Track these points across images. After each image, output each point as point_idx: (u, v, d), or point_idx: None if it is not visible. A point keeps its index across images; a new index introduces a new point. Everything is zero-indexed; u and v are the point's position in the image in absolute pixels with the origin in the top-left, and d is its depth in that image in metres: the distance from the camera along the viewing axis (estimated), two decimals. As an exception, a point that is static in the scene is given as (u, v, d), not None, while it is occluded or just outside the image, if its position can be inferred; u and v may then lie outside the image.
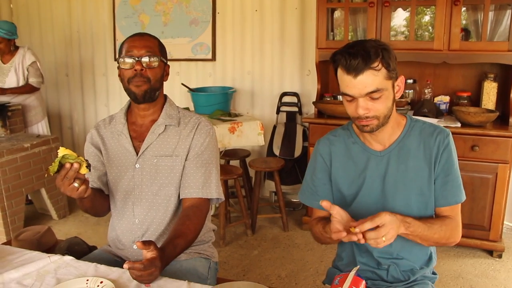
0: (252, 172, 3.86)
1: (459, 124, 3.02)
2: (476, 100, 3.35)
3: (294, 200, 3.96)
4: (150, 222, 1.64)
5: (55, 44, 4.87)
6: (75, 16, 4.77)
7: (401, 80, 1.39)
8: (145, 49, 1.56)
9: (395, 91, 1.38)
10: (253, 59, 4.08)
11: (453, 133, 2.86)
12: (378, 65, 1.28)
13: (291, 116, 3.95)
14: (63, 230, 3.62)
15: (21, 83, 3.91)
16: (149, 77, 1.56)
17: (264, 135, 3.46)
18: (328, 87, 3.74)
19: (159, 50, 1.61)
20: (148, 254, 1.28)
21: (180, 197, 1.64)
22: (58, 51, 4.86)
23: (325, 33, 3.41)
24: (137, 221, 1.65)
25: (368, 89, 1.30)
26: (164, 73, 1.65)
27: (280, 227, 3.57)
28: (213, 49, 4.15)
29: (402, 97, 3.31)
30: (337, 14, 3.76)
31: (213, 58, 4.18)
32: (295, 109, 3.95)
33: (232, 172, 3.29)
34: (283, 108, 4.00)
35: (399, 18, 3.67)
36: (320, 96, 3.59)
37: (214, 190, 1.65)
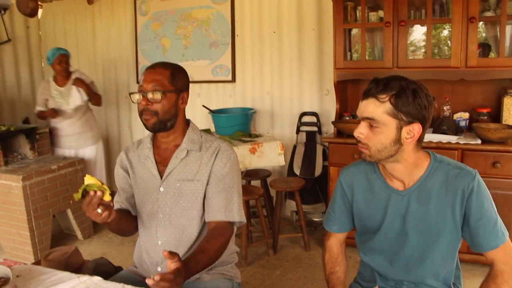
0: (273, 192, 3.96)
1: (479, 141, 3.07)
2: (496, 116, 3.39)
3: (315, 220, 4.03)
4: (173, 244, 1.72)
5: (80, 68, 5.09)
6: (99, 41, 5.03)
7: (416, 129, 1.38)
8: (153, 83, 1.64)
9: (403, 136, 1.38)
10: (272, 79, 4.22)
11: (473, 150, 2.97)
12: (385, 97, 1.35)
13: (310, 136, 4.05)
14: (88, 250, 3.76)
15: (81, 102, 4.04)
16: (157, 110, 1.64)
17: (284, 155, 3.56)
18: (347, 107, 3.84)
19: (170, 81, 1.66)
20: (173, 265, 1.33)
21: (206, 221, 1.72)
22: (83, 75, 5.09)
23: (343, 53, 3.52)
24: (160, 243, 1.74)
25: (364, 114, 1.39)
26: (177, 102, 1.70)
27: (301, 246, 3.65)
28: (232, 71, 4.31)
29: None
30: (354, 33, 3.86)
31: (233, 79, 4.33)
32: (315, 128, 4.05)
33: (253, 192, 3.39)
34: (303, 128, 4.10)
35: (419, 32, 3.76)
36: (339, 116, 3.68)
37: (236, 214, 1.71)
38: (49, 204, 3.65)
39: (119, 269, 2.18)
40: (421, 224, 1.46)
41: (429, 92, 1.40)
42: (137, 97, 1.67)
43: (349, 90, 3.85)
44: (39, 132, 4.02)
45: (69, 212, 3.87)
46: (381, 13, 3.44)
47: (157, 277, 1.25)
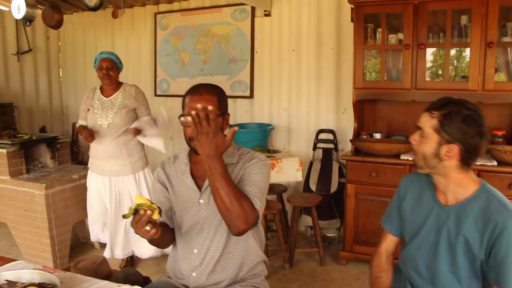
0: (287, 207, 4.09)
1: (495, 163, 3.20)
2: (511, 138, 3.53)
3: (329, 235, 4.15)
4: (207, 250, 1.82)
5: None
6: (118, 53, 5.15)
7: (455, 150, 1.53)
8: (204, 110, 1.68)
9: (442, 152, 1.55)
10: (290, 96, 4.37)
11: (489, 172, 3.10)
12: (436, 114, 1.55)
13: (327, 153, 4.19)
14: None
15: (126, 121, 3.47)
16: None
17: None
18: (363, 125, 3.98)
19: (218, 107, 1.72)
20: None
21: None
22: (101, 86, 5.26)
23: (362, 73, 3.67)
24: (195, 251, 1.84)
25: (418, 123, 1.60)
26: (223, 124, 1.77)
27: (316, 261, 3.76)
28: (251, 87, 4.47)
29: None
30: (372, 54, 4.02)
31: (251, 95, 4.49)
32: (331, 146, 4.19)
33: (271, 207, 3.52)
34: (319, 145, 4.24)
35: (435, 54, 3.90)
36: (357, 134, 3.83)
37: (259, 206, 1.70)
38: (69, 213, 3.78)
39: (147, 279, 2.30)
40: (452, 242, 1.59)
41: (485, 124, 1.55)
42: (185, 120, 1.71)
43: (367, 109, 3.99)
44: (59, 141, 4.16)
45: (87, 221, 3.99)
46: (400, 35, 3.60)
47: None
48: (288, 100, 4.39)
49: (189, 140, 1.76)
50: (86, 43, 5.32)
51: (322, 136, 4.24)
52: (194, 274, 1.85)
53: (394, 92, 3.62)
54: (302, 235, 4.25)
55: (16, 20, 4.98)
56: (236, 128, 1.60)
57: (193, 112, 1.56)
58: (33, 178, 3.74)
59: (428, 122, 1.56)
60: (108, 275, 2.46)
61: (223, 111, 1.77)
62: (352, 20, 3.88)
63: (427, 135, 1.56)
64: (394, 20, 3.68)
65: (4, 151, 3.77)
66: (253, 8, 4.42)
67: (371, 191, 3.53)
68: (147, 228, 1.57)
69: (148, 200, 1.60)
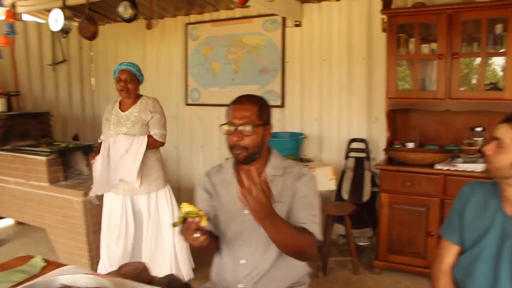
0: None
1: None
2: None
3: (361, 244, 4.17)
4: (256, 263, 1.84)
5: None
6: (149, 62, 5.35)
7: None
8: (243, 120, 1.77)
9: None
10: (321, 106, 4.43)
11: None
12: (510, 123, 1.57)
13: (359, 162, 4.23)
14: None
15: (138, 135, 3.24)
16: (247, 146, 1.78)
17: (332, 180, 3.75)
18: (396, 135, 4.00)
19: (259, 115, 1.80)
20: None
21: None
22: (132, 96, 5.40)
23: (395, 83, 3.72)
24: (242, 262, 1.86)
25: (496, 134, 1.60)
26: (264, 134, 1.83)
27: (350, 270, 3.79)
28: (282, 96, 4.54)
29: (471, 145, 3.53)
30: (403, 64, 4.05)
31: (282, 104, 4.56)
32: (363, 155, 4.23)
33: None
34: (351, 154, 4.28)
35: (471, 63, 3.92)
36: (390, 143, 3.86)
37: (317, 231, 1.79)
38: (105, 220, 3.87)
39: (189, 285, 2.36)
40: None
41: None
42: (230, 128, 1.80)
43: (399, 118, 4.02)
44: (94, 149, 4.27)
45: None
46: (433, 45, 3.63)
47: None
48: (319, 109, 4.44)
49: (231, 149, 1.83)
50: (118, 53, 5.46)
51: (354, 145, 4.28)
52: (240, 285, 1.87)
53: (428, 102, 3.65)
54: (333, 244, 4.27)
55: (52, 32, 5.17)
56: (267, 179, 1.60)
57: (246, 183, 1.54)
58: (71, 185, 3.86)
59: (507, 134, 1.56)
60: (150, 281, 2.54)
61: (264, 121, 1.82)
62: (383, 30, 3.95)
63: (506, 146, 1.57)
64: (426, 29, 3.72)
65: (44, 158, 3.92)
66: (283, 19, 4.50)
67: (405, 201, 3.55)
68: (196, 235, 1.61)
69: (196, 207, 1.64)
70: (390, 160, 3.73)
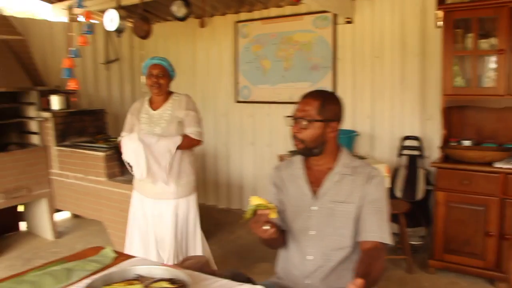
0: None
1: None
2: None
3: (413, 243, 4.15)
4: (324, 260, 1.87)
5: (179, 86, 5.52)
6: (199, 60, 5.49)
7: None
8: (302, 113, 1.84)
9: None
10: (373, 103, 4.42)
11: None
12: None
13: (412, 160, 4.20)
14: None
15: (173, 136, 3.03)
16: (303, 138, 1.84)
17: (386, 177, 3.74)
18: (451, 132, 3.95)
19: (318, 111, 1.82)
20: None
21: (358, 240, 1.85)
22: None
23: (451, 80, 3.67)
24: (310, 258, 1.89)
25: None
26: (325, 131, 1.84)
27: (403, 269, 3.78)
28: (333, 93, 4.56)
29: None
30: (463, 60, 3.98)
31: (333, 101, 4.57)
32: (417, 152, 4.20)
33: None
34: (404, 152, 4.26)
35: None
36: (445, 141, 3.81)
37: (388, 236, 1.82)
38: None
39: (252, 280, 2.40)
40: None
41: None
42: (291, 121, 1.89)
43: (454, 116, 3.97)
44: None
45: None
46: (492, 40, 3.56)
47: None
48: (371, 106, 4.43)
49: (292, 139, 1.89)
50: (168, 52, 5.60)
51: (407, 143, 4.26)
52: (307, 281, 1.91)
53: (487, 98, 3.60)
54: (385, 242, 4.26)
55: (105, 31, 5.36)
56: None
57: None
58: (127, 180, 3.99)
59: None
60: (212, 275, 2.61)
61: (325, 117, 1.84)
62: (437, 26, 3.90)
63: None
64: (484, 24, 3.65)
65: (103, 154, 4.09)
66: (334, 16, 4.51)
67: (462, 199, 3.51)
68: (266, 227, 1.67)
69: (265, 200, 1.68)
70: (445, 158, 3.70)
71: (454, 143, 3.83)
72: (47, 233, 4.71)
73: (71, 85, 4.55)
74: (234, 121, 5.33)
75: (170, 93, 3.15)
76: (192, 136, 3.05)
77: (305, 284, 1.92)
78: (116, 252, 2.11)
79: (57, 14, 5.31)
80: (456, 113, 3.98)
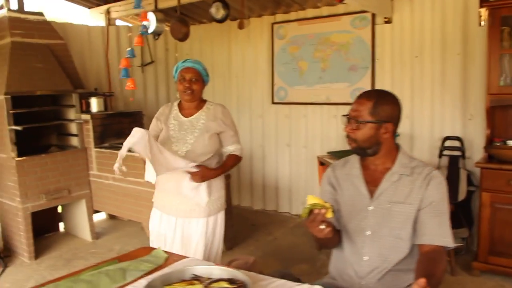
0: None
1: None
2: None
3: (456, 245, 4.10)
4: (380, 261, 1.87)
5: (214, 88, 5.64)
6: (235, 61, 5.56)
7: None
8: (355, 112, 1.86)
9: None
10: (412, 103, 4.41)
11: None
12: None
13: (453, 160, 4.17)
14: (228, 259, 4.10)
15: (209, 149, 2.75)
16: (355, 138, 1.86)
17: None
18: (495, 132, 3.91)
19: (370, 112, 1.82)
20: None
21: (417, 243, 1.83)
22: (217, 95, 5.61)
23: (497, 78, 3.64)
24: (365, 258, 1.89)
25: None
26: (379, 131, 1.84)
27: (446, 271, 3.75)
28: (371, 94, 4.56)
29: None
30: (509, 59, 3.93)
31: (372, 102, 4.57)
32: (458, 153, 4.17)
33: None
34: (445, 152, 4.23)
35: None
36: (489, 141, 3.78)
37: (450, 239, 1.81)
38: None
39: (300, 280, 2.42)
40: None
41: None
42: (345, 120, 1.91)
43: (497, 115, 3.93)
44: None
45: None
46: (539, 38, 3.53)
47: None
48: (410, 106, 4.42)
49: (346, 137, 1.92)
50: (203, 54, 5.69)
51: (448, 143, 4.23)
52: (363, 282, 1.90)
53: (533, 97, 3.56)
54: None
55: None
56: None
57: None
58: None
59: None
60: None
61: (378, 118, 1.83)
62: (480, 24, 3.87)
63: None
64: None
65: (142, 155, 4.15)
66: (373, 16, 4.52)
67: (509, 200, 3.47)
68: (322, 226, 1.67)
69: (321, 199, 1.69)
70: (489, 158, 3.67)
71: (498, 143, 3.79)
72: (86, 234, 4.81)
73: (129, 85, 4.67)
74: (270, 123, 5.37)
75: (203, 101, 2.85)
76: (236, 153, 2.85)
77: (360, 285, 1.91)
78: (166, 252, 2.13)
79: (94, 19, 5.44)
80: (499, 112, 3.94)
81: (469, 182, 4.08)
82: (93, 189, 4.77)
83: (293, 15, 5.08)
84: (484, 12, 3.69)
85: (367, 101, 1.85)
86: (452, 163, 4.19)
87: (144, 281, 1.75)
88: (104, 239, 4.83)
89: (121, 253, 4.22)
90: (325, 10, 4.84)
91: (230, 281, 1.66)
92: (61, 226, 5.16)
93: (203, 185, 2.72)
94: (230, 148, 2.84)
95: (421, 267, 1.74)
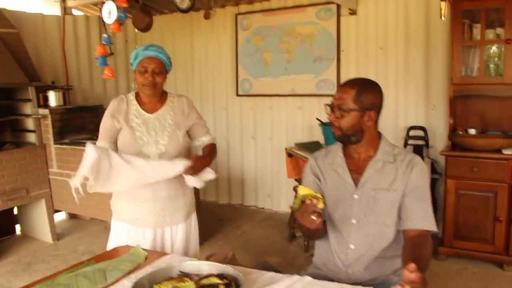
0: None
1: None
2: None
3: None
4: (366, 249, 1.89)
5: (176, 81, 5.55)
6: (198, 53, 5.49)
7: None
8: (338, 101, 1.88)
9: None
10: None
11: None
12: None
13: (418, 150, 4.32)
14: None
15: (183, 150, 2.45)
16: (340, 126, 1.88)
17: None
18: (456, 121, 4.08)
19: (354, 100, 1.85)
20: (413, 275, 1.40)
21: (401, 228, 1.87)
22: (180, 88, 5.53)
23: (460, 69, 3.80)
24: (352, 246, 1.91)
25: None
26: (362, 119, 1.88)
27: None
28: (337, 85, 4.64)
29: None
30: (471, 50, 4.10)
31: (337, 93, 4.65)
32: (422, 142, 4.33)
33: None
34: (410, 142, 4.38)
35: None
36: (452, 130, 3.95)
37: (433, 223, 1.85)
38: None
39: (281, 272, 2.42)
40: None
41: None
42: (327, 109, 1.94)
43: (459, 105, 4.10)
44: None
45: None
46: (498, 30, 3.71)
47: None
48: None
49: (330, 126, 1.95)
50: (164, 45, 5.52)
51: (412, 133, 4.38)
52: (349, 270, 1.92)
53: (495, 87, 3.75)
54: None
55: (99, 24, 5.29)
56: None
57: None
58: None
59: None
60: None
61: (361, 106, 1.87)
62: (441, 17, 4.02)
63: None
64: (491, 15, 3.78)
65: (108, 151, 4.04)
66: (338, 7, 4.59)
67: (472, 186, 3.64)
68: (313, 217, 1.66)
69: (311, 190, 1.69)
70: (453, 147, 3.83)
71: (461, 132, 3.97)
72: (46, 236, 4.60)
73: (107, 73, 4.45)
74: (235, 115, 5.37)
75: (165, 93, 2.50)
76: (214, 142, 2.61)
77: (347, 274, 1.93)
78: (145, 250, 2.05)
79: (47, 7, 5.20)
80: (460, 102, 4.11)
81: (433, 170, 4.24)
82: (53, 187, 4.59)
83: (257, 6, 5.08)
84: (444, 5, 3.83)
85: (350, 89, 1.88)
86: (417, 152, 4.33)
87: (127, 282, 1.70)
88: (66, 240, 4.66)
89: (86, 254, 4.15)
90: (290, 1, 4.87)
91: (220, 276, 1.63)
92: (17, 228, 4.92)
93: (178, 187, 2.43)
94: (205, 139, 2.56)
95: (408, 252, 1.76)
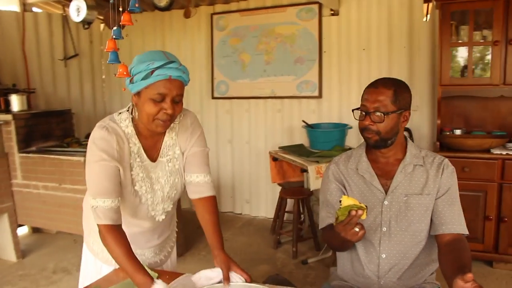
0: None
1: None
2: None
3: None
4: (399, 257, 1.83)
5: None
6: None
7: None
8: (375, 104, 1.78)
9: None
10: (360, 95, 4.48)
11: None
12: None
13: (403, 151, 4.34)
14: (182, 267, 3.87)
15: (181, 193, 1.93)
16: (379, 130, 1.79)
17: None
18: (442, 122, 4.13)
19: (392, 101, 1.78)
20: (468, 285, 1.37)
21: (436, 233, 1.81)
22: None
23: (448, 71, 3.85)
24: (383, 256, 1.84)
25: None
26: (399, 120, 1.81)
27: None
28: (319, 87, 4.60)
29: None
30: (459, 51, 4.16)
31: (320, 95, 4.62)
32: (407, 143, 4.34)
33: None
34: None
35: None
36: (440, 131, 3.99)
37: (465, 226, 1.81)
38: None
39: (293, 285, 2.30)
40: None
41: None
42: (360, 114, 1.83)
43: (443, 106, 4.16)
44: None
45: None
46: (485, 32, 3.79)
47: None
48: (358, 99, 4.48)
49: (361, 131, 1.85)
50: (132, 47, 5.33)
51: (397, 134, 4.39)
52: (382, 282, 1.86)
53: (483, 88, 3.84)
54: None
55: (63, 24, 4.98)
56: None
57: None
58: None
59: None
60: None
61: (399, 107, 1.79)
62: (425, 19, 4.07)
63: None
64: (478, 17, 3.85)
65: (82, 159, 3.82)
66: (320, 8, 4.56)
67: (463, 186, 3.60)
68: (356, 229, 1.55)
69: (355, 200, 1.57)
70: (441, 147, 3.87)
71: (448, 132, 4.02)
72: (9, 254, 4.21)
73: (122, 71, 4.10)
74: (210, 118, 5.20)
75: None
76: (213, 193, 1.91)
77: (379, 285, 1.86)
78: (155, 271, 1.77)
79: (4, 3, 4.82)
80: (445, 103, 4.17)
81: (419, 171, 4.27)
82: (17, 200, 4.23)
83: (233, 6, 4.96)
84: (427, 7, 3.87)
85: (386, 90, 1.80)
86: (402, 153, 4.36)
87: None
88: (32, 257, 4.29)
89: (58, 272, 3.84)
90: (269, 1, 4.79)
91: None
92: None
93: (171, 226, 2.06)
94: (201, 180, 1.86)
95: (451, 259, 1.68)
